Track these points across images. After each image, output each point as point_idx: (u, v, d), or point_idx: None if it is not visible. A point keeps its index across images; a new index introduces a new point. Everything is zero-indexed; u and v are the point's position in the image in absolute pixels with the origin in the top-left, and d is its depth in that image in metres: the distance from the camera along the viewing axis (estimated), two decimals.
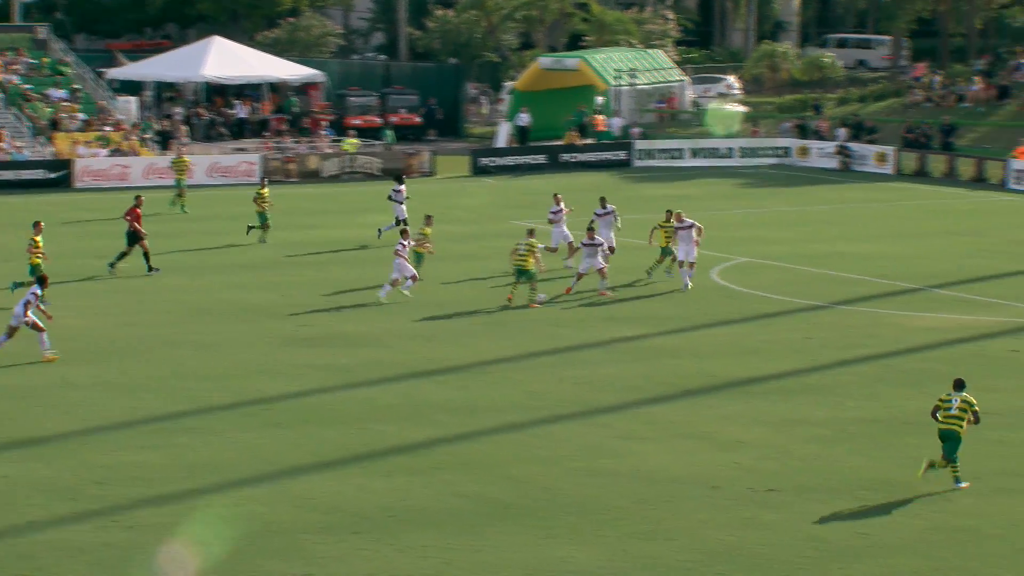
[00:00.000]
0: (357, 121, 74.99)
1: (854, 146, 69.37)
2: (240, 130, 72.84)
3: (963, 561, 19.79)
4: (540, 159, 68.81)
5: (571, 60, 78.67)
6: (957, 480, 22.83)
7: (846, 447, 24.94)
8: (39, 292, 31.00)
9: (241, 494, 22.72)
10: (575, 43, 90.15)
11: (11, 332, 30.62)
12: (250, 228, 45.83)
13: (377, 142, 70.20)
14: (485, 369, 30.53)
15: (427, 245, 38.45)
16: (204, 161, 61.93)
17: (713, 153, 70.85)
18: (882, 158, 68.22)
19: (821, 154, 70.06)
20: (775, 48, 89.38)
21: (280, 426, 26.31)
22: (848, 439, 25.38)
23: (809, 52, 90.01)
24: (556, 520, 21.42)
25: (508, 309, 36.11)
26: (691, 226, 37.96)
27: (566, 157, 69.21)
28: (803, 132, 72.66)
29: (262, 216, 45.86)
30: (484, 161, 67.59)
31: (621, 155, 69.91)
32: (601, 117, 73.41)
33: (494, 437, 25.79)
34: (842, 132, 71.08)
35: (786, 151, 71.17)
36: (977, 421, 23.02)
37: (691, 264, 37.96)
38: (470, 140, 78.53)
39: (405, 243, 37.18)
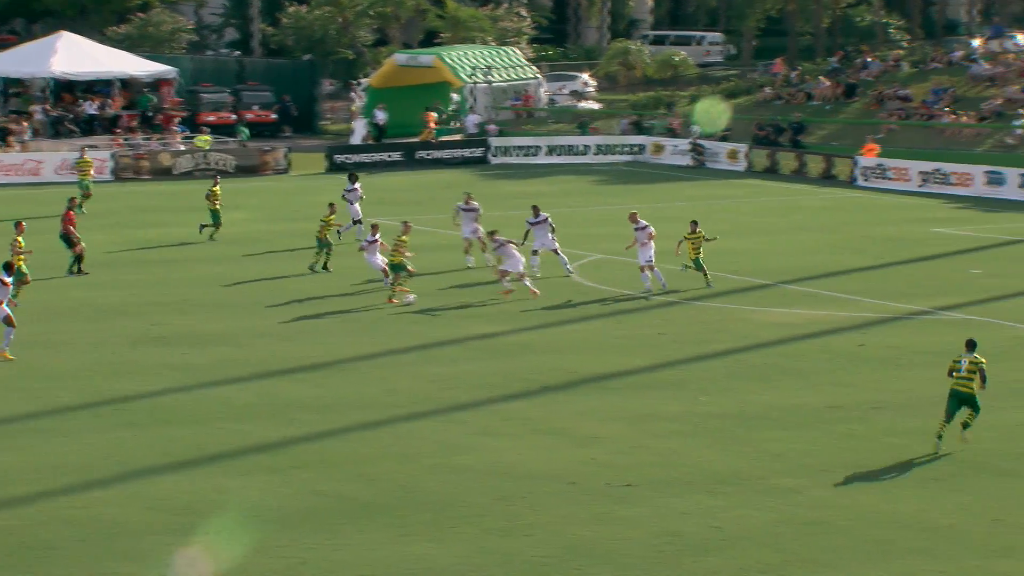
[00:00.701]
0: (210, 118, 74.22)
1: (707, 143, 70.24)
2: (90, 127, 71.72)
3: (812, 553, 20.13)
4: (396, 156, 68.75)
5: (426, 57, 78.66)
6: (965, 425, 24.49)
7: (700, 441, 25.25)
8: (7, 280, 30.52)
9: (91, 496, 22.40)
10: (430, 40, 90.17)
11: None
12: (203, 227, 45.50)
13: (231, 139, 69.61)
14: (343, 367, 30.44)
15: (407, 253, 37.11)
16: (53, 158, 60.95)
17: (569, 150, 71.32)
18: (734, 155, 69.17)
19: (675, 151, 70.84)
20: (628, 46, 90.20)
21: (134, 426, 25.99)
22: (701, 433, 25.69)
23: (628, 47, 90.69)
24: (413, 517, 21.44)
25: (356, 307, 36.11)
26: (645, 227, 38.01)
27: (422, 154, 69.22)
28: (640, 129, 73.54)
29: (215, 214, 45.45)
30: (340, 158, 67.33)
31: (478, 152, 70.09)
32: (432, 114, 73.41)
33: (352, 435, 25.73)
34: (695, 129, 71.94)
35: (640, 148, 71.90)
36: (984, 381, 24.36)
37: (651, 266, 37.86)
38: (326, 137, 78.21)
39: (374, 239, 37.20)
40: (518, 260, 36.87)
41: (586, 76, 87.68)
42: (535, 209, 40.61)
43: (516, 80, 79.69)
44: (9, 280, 30.70)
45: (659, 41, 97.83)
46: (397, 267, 36.26)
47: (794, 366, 30.55)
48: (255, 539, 20.58)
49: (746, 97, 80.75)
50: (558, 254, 39.67)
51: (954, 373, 24.55)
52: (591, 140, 72.23)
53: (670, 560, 19.91)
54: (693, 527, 21.08)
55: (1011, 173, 59.49)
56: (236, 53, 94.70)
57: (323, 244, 40.21)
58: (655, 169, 68.36)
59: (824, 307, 36.39)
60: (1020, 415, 26.68)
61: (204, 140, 67.23)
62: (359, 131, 74.96)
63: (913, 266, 42.77)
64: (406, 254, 36.40)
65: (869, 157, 64.65)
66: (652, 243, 37.75)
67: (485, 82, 76.87)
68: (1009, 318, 35.07)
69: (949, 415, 24.45)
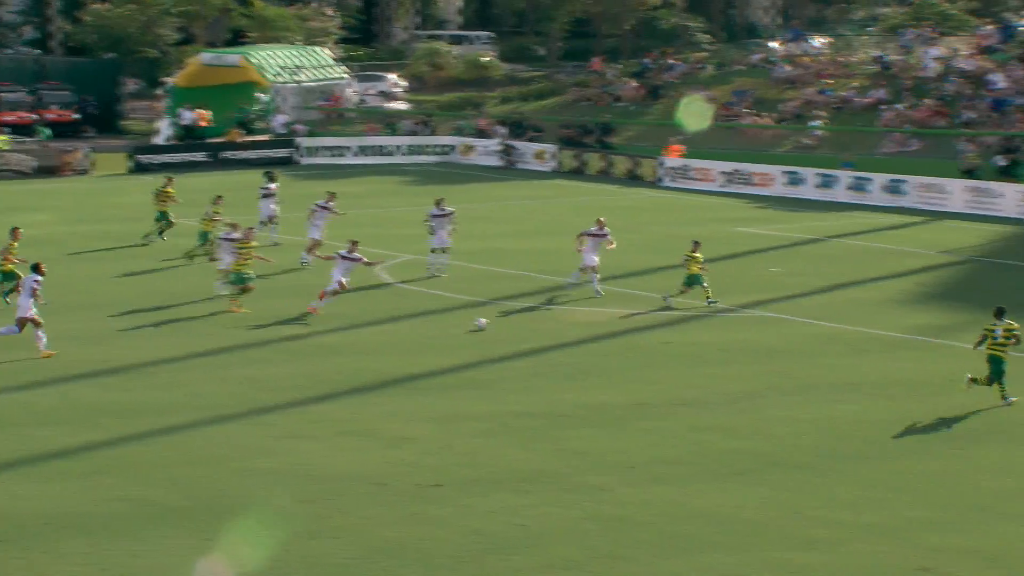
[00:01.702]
0: (8, 117, 72.59)
1: (516, 144, 70.71)
2: None
3: (615, 549, 20.35)
4: (202, 156, 67.96)
5: (232, 56, 77.88)
6: (1006, 397, 26.89)
7: (506, 441, 25.37)
8: (39, 279, 30.87)
9: None
10: (237, 39, 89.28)
11: (21, 324, 30.48)
12: (161, 231, 44.89)
13: (30, 139, 68.12)
14: (148, 370, 29.99)
15: (256, 257, 36.47)
16: None
17: (378, 151, 71.26)
18: (542, 156, 69.75)
19: (484, 152, 71.19)
20: (436, 47, 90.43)
21: None
22: (508, 433, 25.83)
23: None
24: (219, 522, 21.20)
25: (166, 308, 35.66)
26: (607, 235, 38.03)
27: (229, 154, 68.53)
28: (429, 129, 73.90)
29: (162, 215, 44.80)
30: (144, 159, 66.37)
31: (285, 153, 69.61)
32: (205, 112, 72.69)
33: (157, 439, 25.37)
34: (500, 130, 72.41)
35: (449, 149, 72.09)
36: (1018, 343, 26.86)
37: (595, 269, 37.85)
38: (129, 137, 76.98)
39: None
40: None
41: (395, 77, 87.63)
42: (439, 202, 40.81)
43: (324, 80, 79.32)
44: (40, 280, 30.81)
45: (425, 39, 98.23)
46: (240, 278, 35.66)
47: (600, 365, 30.89)
48: (51, 545, 20.18)
49: (554, 98, 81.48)
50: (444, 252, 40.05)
51: (985, 343, 27.08)
52: (400, 141, 72.22)
53: (476, 559, 19.99)
54: (499, 526, 21.16)
55: (809, 173, 60.96)
56: (35, 51, 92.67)
57: (205, 236, 40.91)
58: (464, 170, 68.60)
59: (629, 306, 36.86)
60: (815, 410, 27.24)
61: (2, 140, 65.71)
62: (163, 131, 73.92)
63: (715, 265, 43.46)
64: (251, 260, 35.80)
65: (673, 158, 65.70)
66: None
67: (293, 82, 76.36)
68: (808, 315, 35.90)
69: (992, 379, 27.07)
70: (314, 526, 21.13)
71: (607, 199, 59.31)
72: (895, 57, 73.93)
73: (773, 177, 61.94)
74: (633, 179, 65.61)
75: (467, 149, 72.13)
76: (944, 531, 20.76)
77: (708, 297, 36.54)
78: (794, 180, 61.34)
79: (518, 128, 73.76)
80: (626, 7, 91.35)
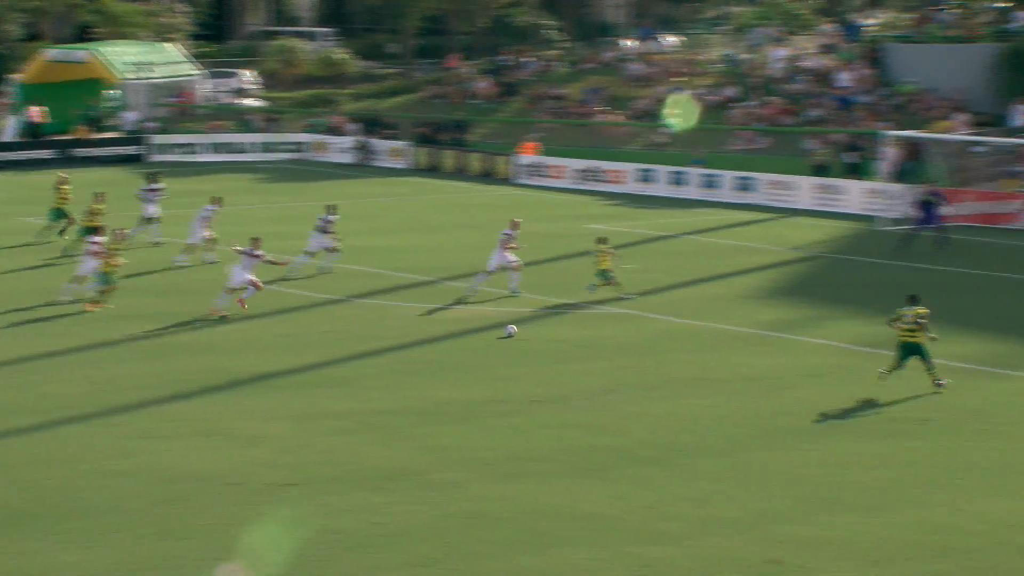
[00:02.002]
0: None
1: (371, 141, 70.60)
2: None
3: (473, 545, 20.42)
4: (50, 154, 66.85)
5: (80, 52, 76.71)
6: (938, 381, 27.74)
7: (364, 438, 25.33)
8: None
9: None
10: (84, 35, 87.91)
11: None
12: (61, 232, 43.96)
13: None
14: None
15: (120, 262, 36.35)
16: None
17: (230, 148, 70.71)
18: (397, 153, 69.72)
19: (338, 149, 70.96)
20: (290, 43, 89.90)
21: None
22: (367, 430, 25.79)
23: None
24: (68, 524, 20.89)
25: (22, 310, 35.11)
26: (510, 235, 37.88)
27: (78, 151, 67.49)
28: (276, 126, 73.67)
29: (59, 212, 44.03)
30: None
31: (134, 150, 68.75)
32: (40, 109, 71.77)
33: (4, 441, 24.93)
34: (354, 127, 72.25)
35: (304, 146, 71.76)
36: (925, 330, 27.66)
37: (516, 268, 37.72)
38: None
39: (99, 240, 36.10)
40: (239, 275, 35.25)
41: (247, 73, 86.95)
42: (330, 208, 41.05)
43: (175, 77, 78.43)
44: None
45: (271, 36, 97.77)
46: (105, 278, 35.20)
47: (457, 361, 30.97)
48: None
49: (408, 96, 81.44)
50: (315, 256, 40.03)
51: (898, 325, 27.90)
52: (254, 138, 71.73)
53: (333, 557, 19.93)
54: (357, 524, 21.10)
55: (661, 170, 61.67)
56: None
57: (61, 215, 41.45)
58: (319, 167, 68.31)
59: (486, 302, 36.97)
60: (669, 405, 27.55)
61: None
62: (9, 128, 72.60)
63: (569, 262, 43.82)
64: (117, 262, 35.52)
65: (527, 155, 66.04)
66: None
67: (143, 78, 75.40)
68: (660, 311, 36.30)
69: (898, 363, 27.91)
70: (166, 527, 20.88)
71: (462, 196, 59.44)
72: (744, 56, 75.09)
73: (626, 174, 62.54)
74: (487, 176, 65.83)
75: (321, 146, 71.82)
76: (792, 523, 21.07)
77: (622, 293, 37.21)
78: (646, 177, 61.99)
79: (373, 125, 73.64)
80: (479, 5, 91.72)
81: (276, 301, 36.69)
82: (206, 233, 41.44)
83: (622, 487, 22.79)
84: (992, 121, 61.81)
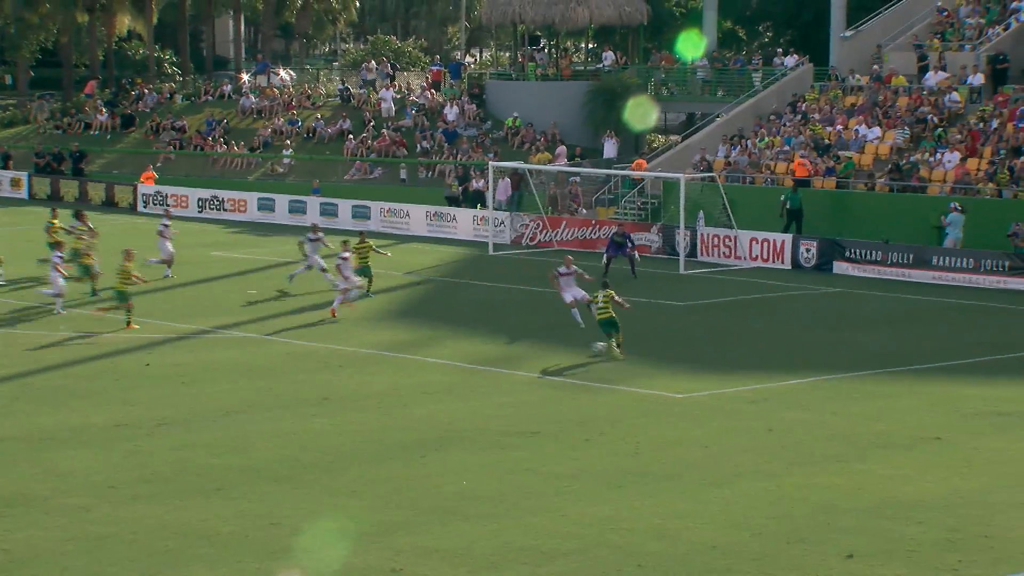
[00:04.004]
0: None
1: None
2: None
3: (99, 568, 20.36)
4: None
5: None
6: (618, 345, 33.84)
7: None
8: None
9: None
10: None
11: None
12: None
13: None
14: None
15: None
16: None
17: None
18: (17, 183, 68.98)
19: None
20: None
21: None
22: None
23: None
24: None
25: None
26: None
27: None
28: None
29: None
30: None
31: None
32: None
33: None
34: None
35: None
36: (620, 306, 34.09)
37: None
38: None
39: (61, 256, 39.04)
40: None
41: None
42: (314, 226, 43.65)
43: None
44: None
45: None
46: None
47: (82, 387, 30.98)
48: None
49: (24, 126, 79.99)
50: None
51: (594, 306, 34.24)
52: None
53: None
54: None
55: (281, 199, 62.59)
56: None
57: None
58: None
59: (111, 328, 37.00)
60: (293, 424, 28.18)
61: None
62: None
63: (195, 287, 44.17)
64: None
65: (149, 185, 65.92)
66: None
67: None
68: (284, 335, 37.08)
69: (607, 336, 34.00)
70: None
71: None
72: (356, 90, 76.80)
73: (247, 203, 63.12)
74: (111, 205, 65.50)
75: None
76: (412, 533, 21.75)
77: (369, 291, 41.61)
78: (267, 206, 62.72)
79: None
80: (95, 38, 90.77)
81: None
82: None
83: (247, 504, 23.07)
84: (584, 153, 65.11)
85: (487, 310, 38.75)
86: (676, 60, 71.87)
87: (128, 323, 37.29)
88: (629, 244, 47.15)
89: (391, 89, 75.14)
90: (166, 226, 46.54)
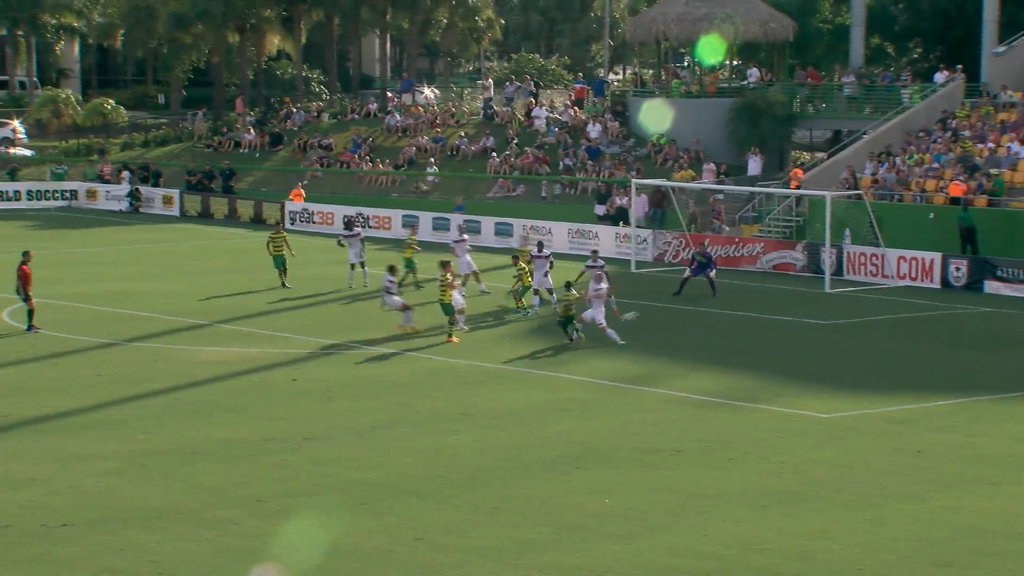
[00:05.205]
0: None
1: (141, 189, 70.80)
2: None
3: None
4: None
5: None
6: (576, 332, 37.50)
7: (136, 478, 25.61)
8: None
9: None
10: None
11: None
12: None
13: None
14: None
15: None
16: None
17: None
18: (168, 200, 70.02)
19: (109, 197, 70.91)
20: (57, 94, 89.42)
21: None
22: (137, 470, 26.08)
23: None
24: None
25: None
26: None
27: None
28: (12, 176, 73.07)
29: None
30: None
31: None
32: None
33: None
34: (125, 175, 72.26)
35: (73, 194, 71.55)
36: (579, 303, 37.46)
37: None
38: None
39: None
40: None
41: (15, 123, 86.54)
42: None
43: None
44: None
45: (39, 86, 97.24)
46: None
47: (230, 402, 31.51)
48: None
49: (176, 144, 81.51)
50: None
51: (558, 307, 38.26)
52: (22, 186, 71.23)
53: None
54: (129, 563, 21.17)
55: (424, 216, 63.01)
56: None
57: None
58: (89, 215, 67.92)
59: (258, 344, 37.59)
60: (434, 440, 28.39)
61: None
62: None
63: (336, 304, 44.71)
64: None
65: (296, 202, 66.76)
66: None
67: None
68: (425, 351, 37.33)
69: (566, 333, 37.68)
70: None
71: (233, 241, 59.79)
72: (500, 108, 77.21)
73: (391, 220, 63.68)
74: (258, 222, 66.42)
75: (92, 194, 71.61)
76: (550, 551, 21.75)
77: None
78: (411, 223, 63.13)
79: (143, 173, 73.63)
80: (246, 58, 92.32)
81: (47, 345, 36.76)
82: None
83: (391, 520, 23.27)
84: (729, 171, 64.83)
85: (627, 327, 38.65)
86: (822, 77, 71.33)
87: (449, 335, 38.05)
88: (711, 267, 46.69)
89: (543, 107, 75.52)
90: (458, 242, 46.71)
